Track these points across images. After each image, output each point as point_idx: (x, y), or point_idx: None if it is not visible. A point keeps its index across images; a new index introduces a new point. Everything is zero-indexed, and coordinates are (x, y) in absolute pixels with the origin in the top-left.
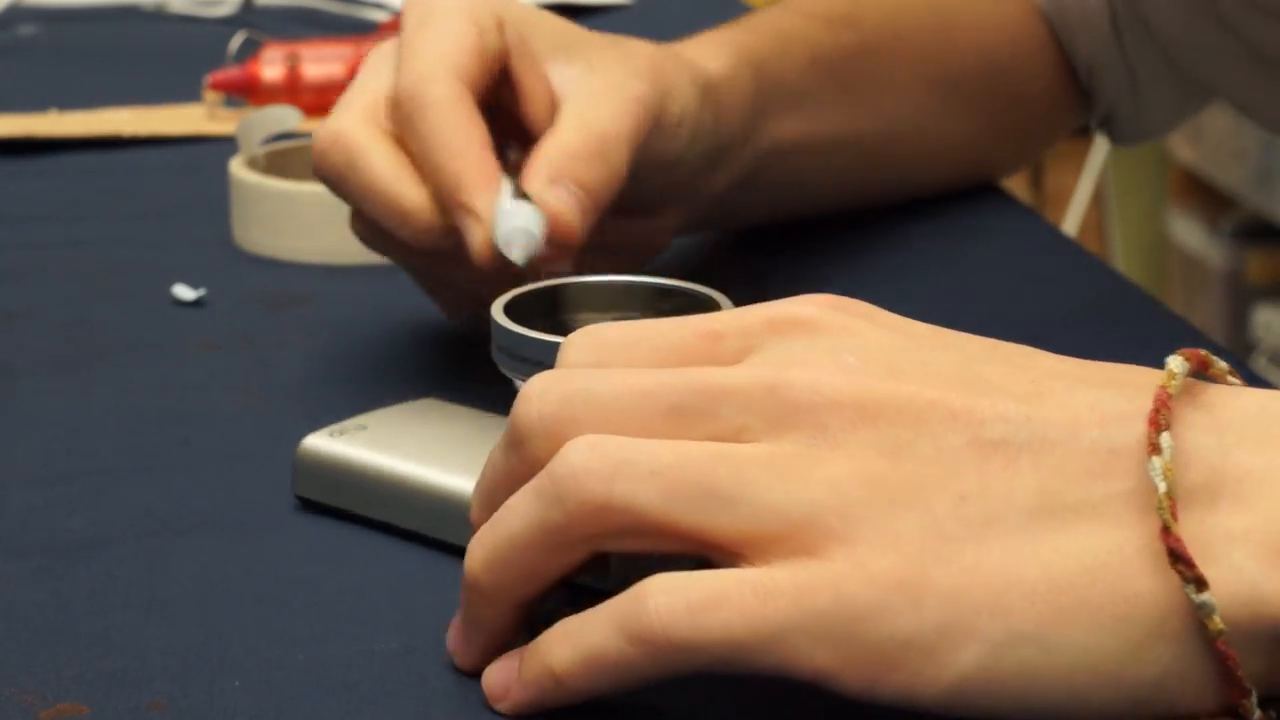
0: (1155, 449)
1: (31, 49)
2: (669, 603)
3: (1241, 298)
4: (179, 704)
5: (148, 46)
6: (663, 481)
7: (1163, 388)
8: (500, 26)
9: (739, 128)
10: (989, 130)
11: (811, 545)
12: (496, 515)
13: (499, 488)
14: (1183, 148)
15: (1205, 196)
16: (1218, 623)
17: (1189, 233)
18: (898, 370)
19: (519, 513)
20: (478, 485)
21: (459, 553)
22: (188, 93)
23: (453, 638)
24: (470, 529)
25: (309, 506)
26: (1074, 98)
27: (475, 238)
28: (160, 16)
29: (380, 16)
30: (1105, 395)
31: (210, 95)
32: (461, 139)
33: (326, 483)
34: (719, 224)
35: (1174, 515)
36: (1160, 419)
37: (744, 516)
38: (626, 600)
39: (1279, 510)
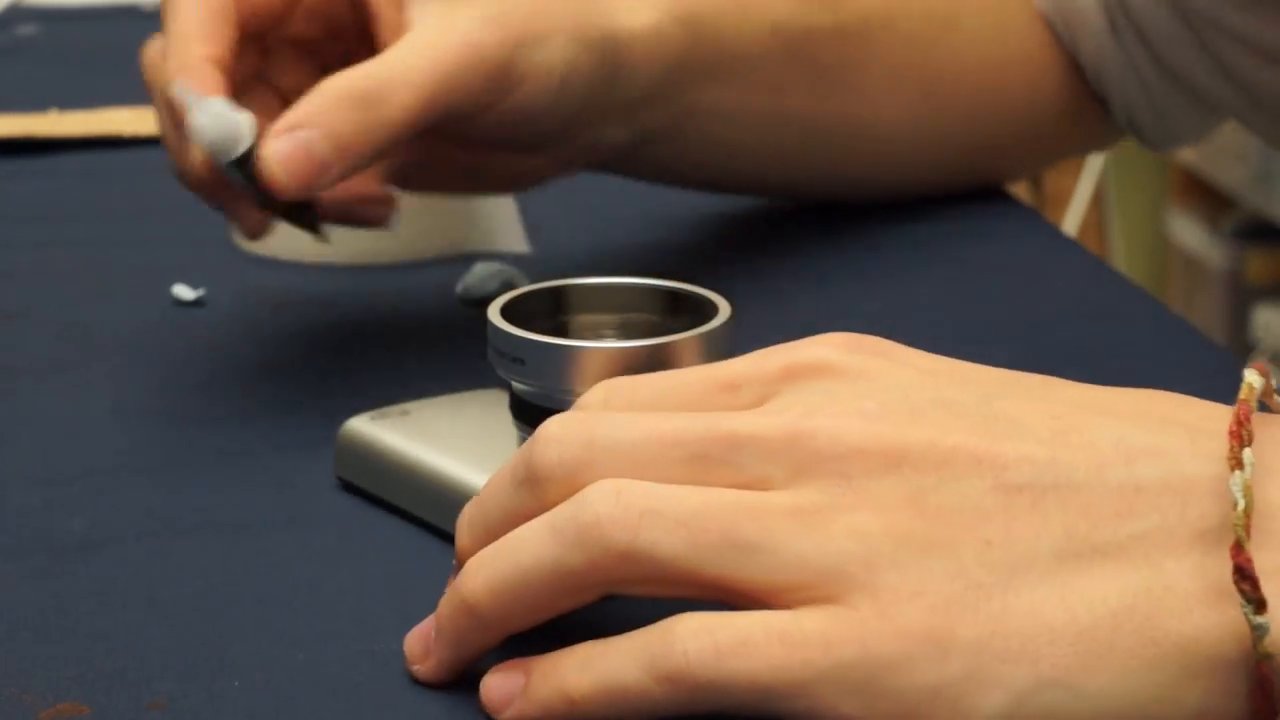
0: (1238, 463)
1: (31, 49)
2: (698, 645)
3: (1241, 298)
4: (179, 704)
5: None
6: (687, 531)
7: (1244, 402)
8: None
9: (652, 84)
10: (984, 140)
11: (837, 594)
12: (504, 545)
13: (501, 523)
14: (1183, 148)
15: (1205, 196)
16: (1267, 646)
17: (1189, 233)
18: (919, 413)
19: (532, 549)
20: (472, 515)
21: None
22: None
23: (417, 646)
24: None
25: (350, 490)
26: (1086, 101)
27: (188, 139)
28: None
29: None
30: (1130, 430)
31: None
32: (188, 37)
33: (361, 467)
34: (633, 173)
35: (1248, 533)
36: (1243, 433)
37: (769, 566)
38: (654, 637)
39: None
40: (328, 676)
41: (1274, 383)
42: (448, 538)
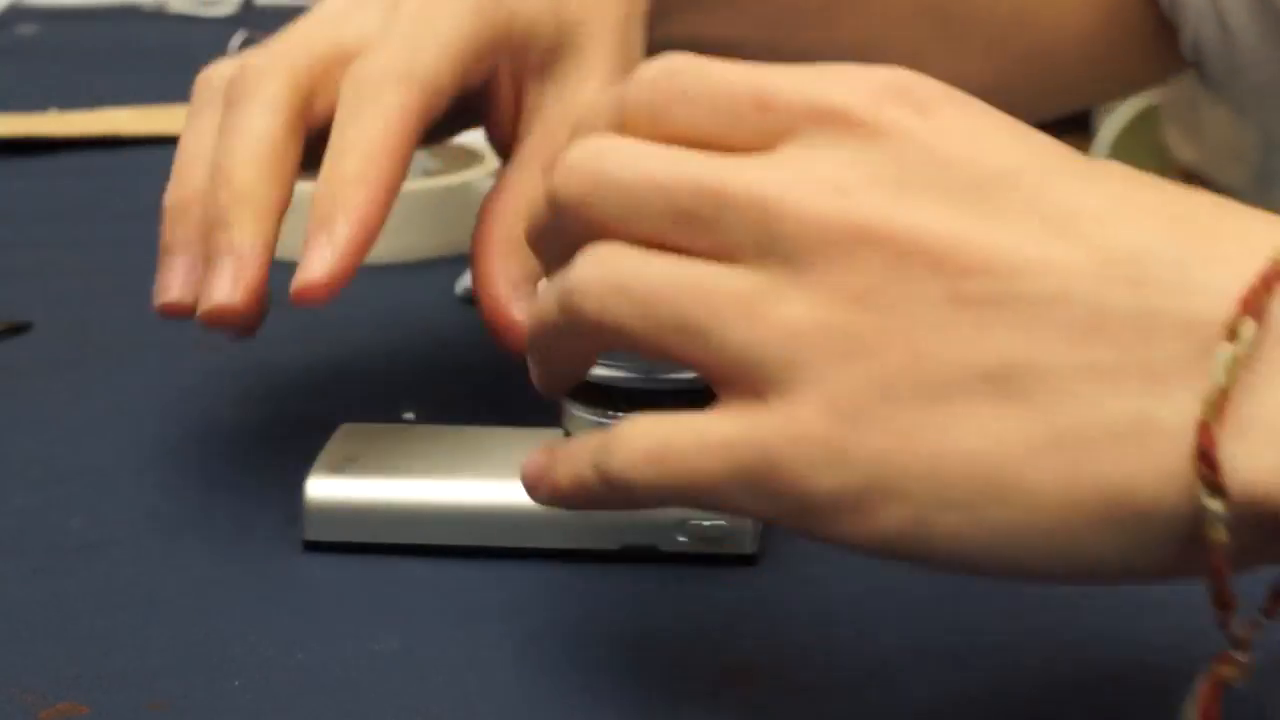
0: (1232, 335)
1: (31, 49)
2: (629, 453)
3: None
4: (179, 704)
5: (148, 46)
6: (645, 309)
7: (1275, 261)
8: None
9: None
10: (1018, 73)
11: (759, 389)
12: (538, 298)
13: (535, 231)
14: (1183, 148)
15: None
16: (1221, 534)
17: None
18: (905, 192)
19: (544, 303)
20: (525, 226)
21: (477, 554)
22: (187, 93)
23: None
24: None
25: (318, 548)
26: (1157, 29)
27: None
28: (160, 16)
29: None
30: (1155, 241)
31: None
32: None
33: (348, 523)
34: None
35: (1220, 415)
36: (1255, 301)
37: (710, 351)
38: (603, 442)
39: None
40: (328, 676)
41: None
42: (454, 550)
